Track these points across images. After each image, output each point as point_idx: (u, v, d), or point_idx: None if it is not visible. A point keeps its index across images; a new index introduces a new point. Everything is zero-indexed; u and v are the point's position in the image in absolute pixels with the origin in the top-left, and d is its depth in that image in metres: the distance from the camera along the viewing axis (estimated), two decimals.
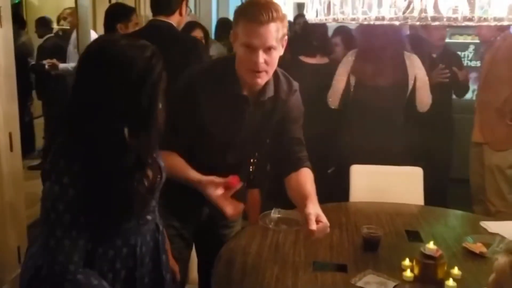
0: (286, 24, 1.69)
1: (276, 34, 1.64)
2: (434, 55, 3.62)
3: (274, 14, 1.62)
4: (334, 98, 3.14)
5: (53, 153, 1.32)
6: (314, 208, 1.66)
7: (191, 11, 2.90)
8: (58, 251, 1.30)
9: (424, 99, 3.07)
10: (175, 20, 2.57)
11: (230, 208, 1.70)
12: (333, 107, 3.16)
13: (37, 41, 5.56)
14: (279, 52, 1.70)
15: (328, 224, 1.65)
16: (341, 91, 3.09)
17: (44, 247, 1.34)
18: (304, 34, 3.58)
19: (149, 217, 1.51)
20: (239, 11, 1.69)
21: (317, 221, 1.63)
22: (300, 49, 3.50)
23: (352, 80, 3.06)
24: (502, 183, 3.36)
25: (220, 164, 1.84)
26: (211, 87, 1.75)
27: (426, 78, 3.07)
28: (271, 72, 1.73)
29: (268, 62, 1.67)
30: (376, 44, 2.96)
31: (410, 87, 3.03)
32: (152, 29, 2.53)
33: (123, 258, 1.46)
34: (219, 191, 1.68)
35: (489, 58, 3.42)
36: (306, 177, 1.86)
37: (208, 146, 1.83)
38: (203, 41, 3.66)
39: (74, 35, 4.34)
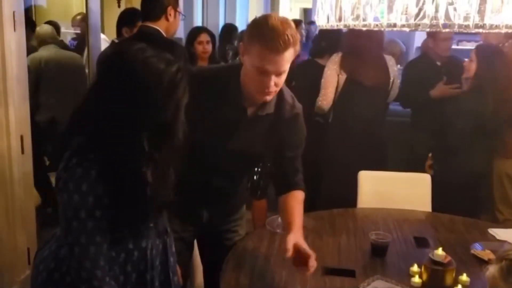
0: (299, 45, 1.66)
1: (289, 59, 1.63)
2: (439, 63, 3.62)
3: (291, 40, 1.58)
4: (327, 99, 3.17)
5: (68, 160, 1.33)
6: (294, 238, 1.68)
7: (184, 17, 2.95)
8: (84, 258, 1.33)
9: (395, 94, 3.35)
10: (163, 26, 2.69)
11: None
12: (325, 110, 3.21)
13: None
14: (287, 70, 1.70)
15: (312, 257, 1.65)
16: (333, 91, 3.17)
17: (70, 256, 1.36)
18: (315, 36, 3.69)
19: (159, 220, 1.53)
20: (255, 33, 1.62)
21: (297, 250, 1.64)
22: (313, 50, 3.63)
23: (342, 79, 3.14)
24: (511, 191, 3.35)
25: (214, 174, 1.86)
26: (211, 91, 1.74)
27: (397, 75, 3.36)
28: (278, 89, 1.74)
29: (278, 84, 1.68)
30: (361, 45, 3.10)
31: (390, 87, 3.26)
32: (141, 35, 2.67)
33: (134, 261, 1.47)
34: None
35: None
36: (295, 201, 1.88)
37: (200, 153, 1.75)
38: (210, 44, 3.71)
39: None
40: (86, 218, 1.31)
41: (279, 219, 2.23)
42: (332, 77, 3.16)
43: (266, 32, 1.58)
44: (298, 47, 1.64)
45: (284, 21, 1.61)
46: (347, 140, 3.16)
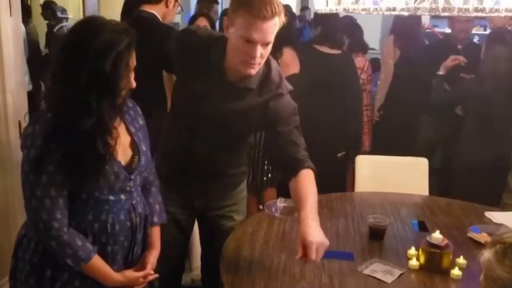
0: (283, 17, 1.66)
1: (275, 29, 1.64)
2: (460, 47, 3.61)
3: (277, 9, 1.60)
4: (386, 81, 3.73)
5: (30, 120, 1.42)
6: (300, 232, 1.62)
7: (181, 10, 2.90)
8: (40, 210, 1.40)
9: None
10: (160, 11, 2.62)
11: None
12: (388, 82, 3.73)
13: (42, 28, 5.55)
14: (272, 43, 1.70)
15: (324, 243, 1.61)
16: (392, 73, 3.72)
17: (28, 208, 1.43)
18: (313, 23, 3.71)
19: (123, 196, 1.55)
20: (241, 2, 1.64)
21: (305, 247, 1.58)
22: (312, 37, 3.61)
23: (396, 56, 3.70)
24: (508, 175, 3.35)
25: (194, 138, 1.88)
26: (195, 53, 1.79)
27: None
28: (263, 62, 1.74)
29: (264, 56, 1.68)
30: (409, 26, 3.72)
31: None
32: (134, 19, 2.56)
33: (96, 233, 1.52)
34: None
35: None
36: (304, 182, 1.77)
37: (179, 114, 1.92)
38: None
39: None
40: (41, 172, 1.38)
41: (278, 203, 2.25)
42: (391, 52, 3.75)
43: (252, 0, 1.60)
44: (283, 17, 1.66)
45: None
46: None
